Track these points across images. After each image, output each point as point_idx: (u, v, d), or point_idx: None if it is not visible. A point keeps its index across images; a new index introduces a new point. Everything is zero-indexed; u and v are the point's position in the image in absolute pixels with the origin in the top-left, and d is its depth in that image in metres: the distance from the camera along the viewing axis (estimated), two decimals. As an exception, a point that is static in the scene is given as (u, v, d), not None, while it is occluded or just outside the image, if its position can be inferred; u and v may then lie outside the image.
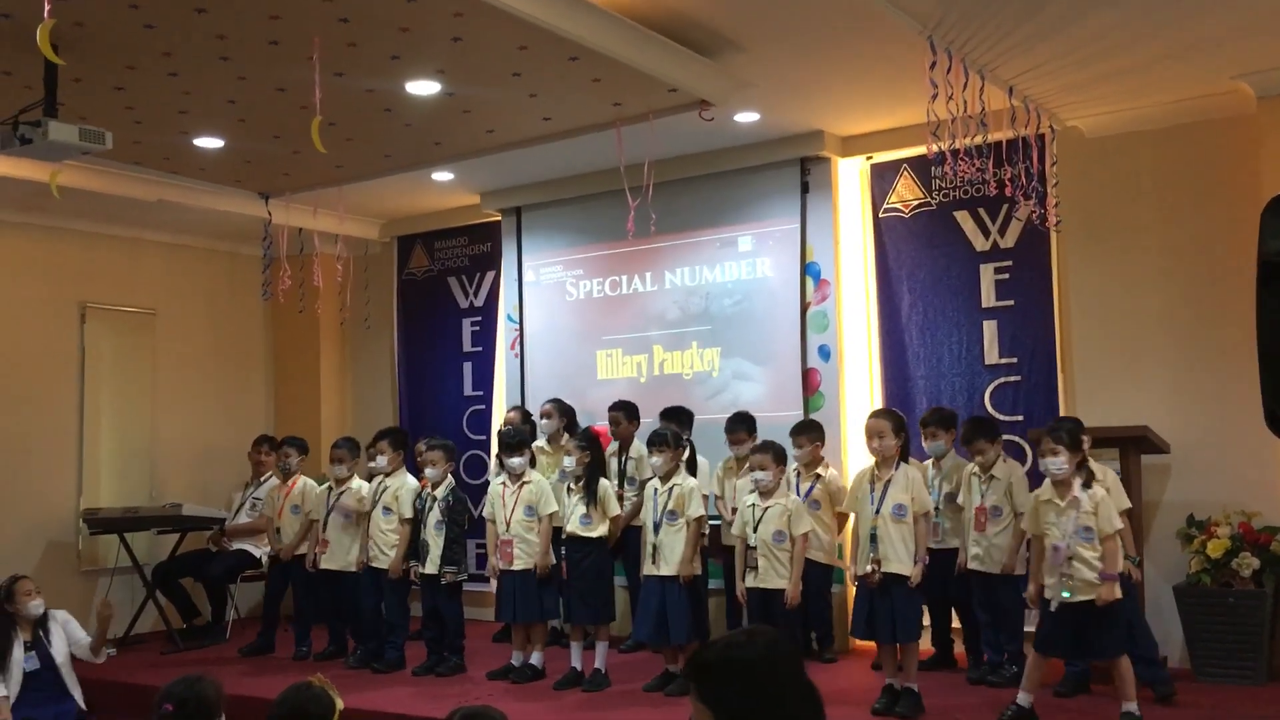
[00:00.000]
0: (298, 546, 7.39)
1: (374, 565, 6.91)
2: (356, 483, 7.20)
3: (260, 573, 8.10)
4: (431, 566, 6.59)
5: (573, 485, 6.32)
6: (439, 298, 9.19)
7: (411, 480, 6.96)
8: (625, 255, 8.00)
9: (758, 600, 5.74)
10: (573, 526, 6.25)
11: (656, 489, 6.11)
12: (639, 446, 7.06)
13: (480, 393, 8.89)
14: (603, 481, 6.32)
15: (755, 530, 5.76)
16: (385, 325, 9.45)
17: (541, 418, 7.32)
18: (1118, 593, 4.88)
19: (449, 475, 6.72)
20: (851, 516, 5.80)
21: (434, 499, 6.66)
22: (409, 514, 6.82)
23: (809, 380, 7.24)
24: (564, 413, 7.32)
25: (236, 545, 8.23)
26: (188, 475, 9.12)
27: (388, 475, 6.97)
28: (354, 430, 8.75)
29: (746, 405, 7.29)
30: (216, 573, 8.12)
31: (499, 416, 8.55)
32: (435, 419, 8.97)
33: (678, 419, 6.84)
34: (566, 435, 7.12)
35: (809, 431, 6.56)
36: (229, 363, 9.61)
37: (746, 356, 7.48)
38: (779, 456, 5.83)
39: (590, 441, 6.33)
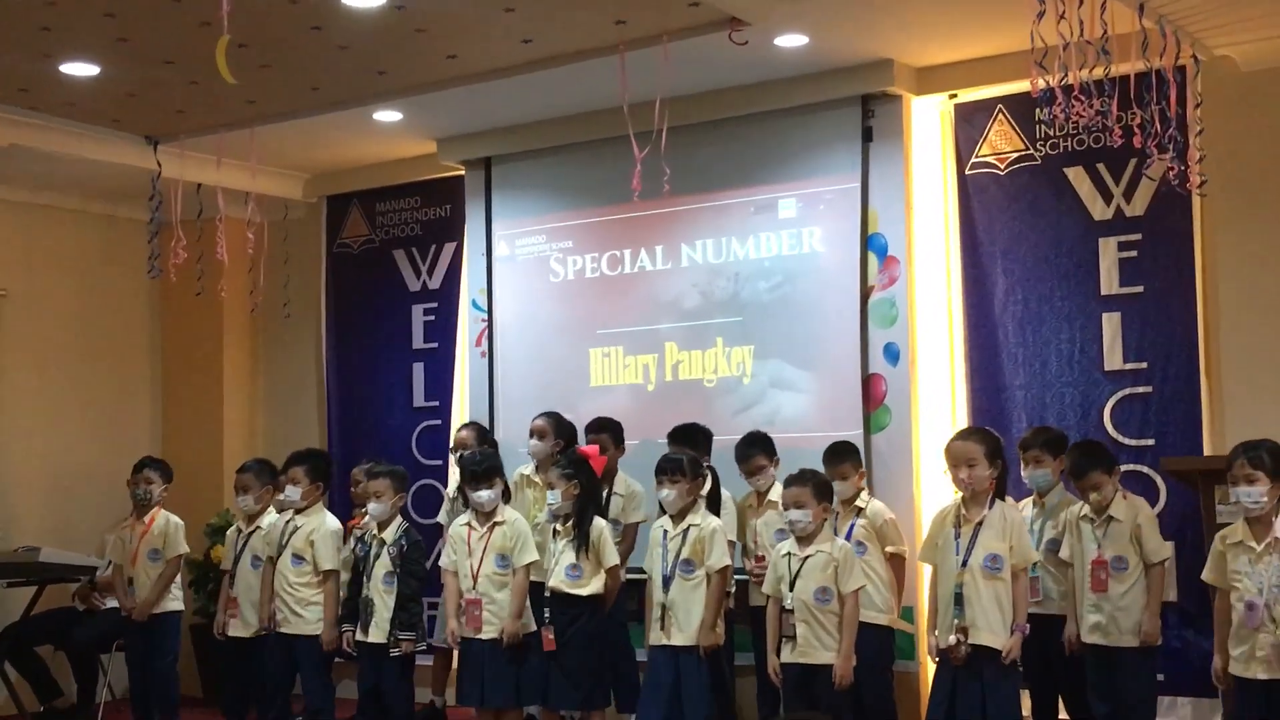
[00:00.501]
0: (156, 603, 7.43)
1: (282, 630, 6.99)
2: (271, 518, 7.29)
3: None
4: (377, 633, 6.62)
5: (559, 527, 6.38)
6: (382, 278, 9.21)
7: (332, 521, 7.11)
8: (629, 223, 8.02)
9: (797, 679, 5.77)
10: (557, 580, 6.31)
11: (667, 532, 6.17)
12: (625, 480, 7.15)
13: (435, 403, 8.92)
14: (598, 521, 6.37)
15: (792, 588, 5.79)
16: (310, 313, 9.45)
17: (532, 436, 7.36)
18: None
19: (399, 512, 6.79)
20: (927, 570, 5.82)
21: (380, 543, 6.72)
22: (330, 564, 6.92)
23: (871, 390, 7.26)
24: (562, 431, 7.35)
25: (111, 602, 8.17)
26: (46, 510, 9.10)
27: (299, 512, 7.07)
28: (268, 451, 8.71)
29: (788, 423, 7.33)
30: (85, 639, 8.11)
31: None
32: (375, 438, 9.00)
33: (692, 440, 6.87)
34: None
35: (851, 457, 6.61)
36: (103, 362, 9.58)
37: (788, 358, 7.52)
38: (821, 490, 5.88)
39: (578, 467, 6.39)
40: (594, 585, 6.28)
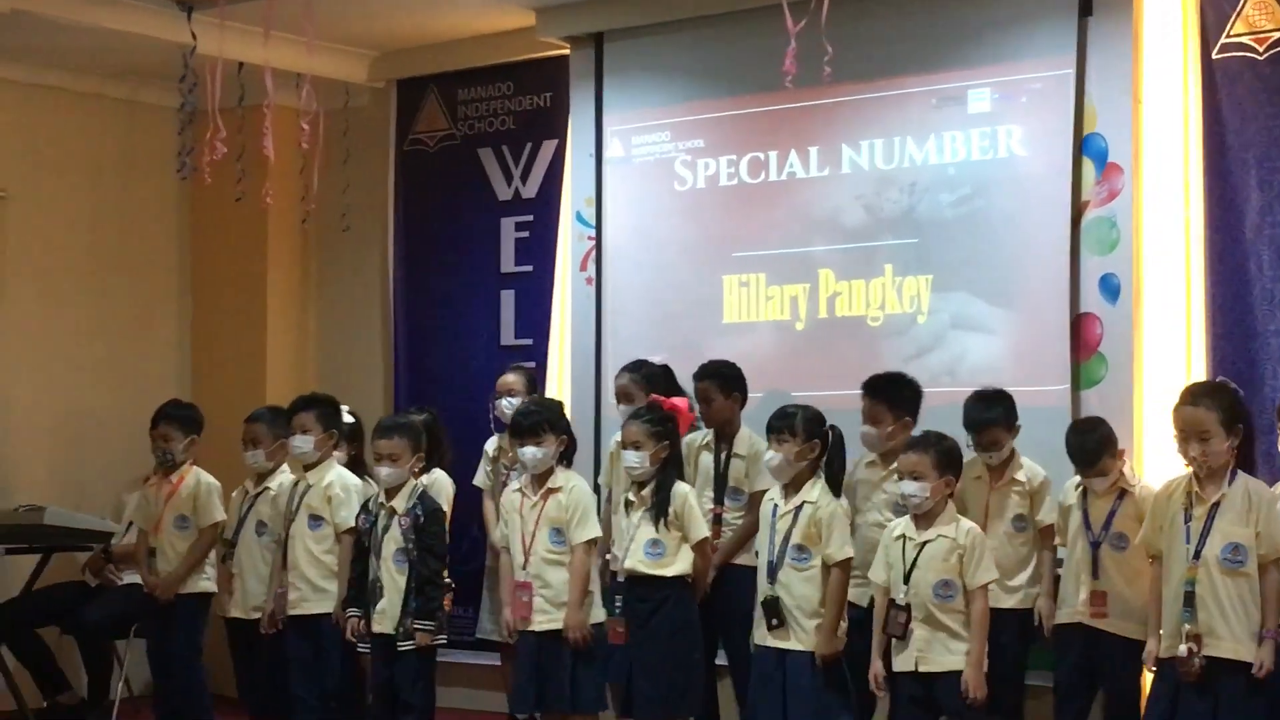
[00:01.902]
0: (184, 580, 7.51)
1: (296, 613, 7.12)
2: (282, 479, 7.46)
3: None
4: (385, 621, 6.70)
5: (632, 495, 6.47)
6: (464, 184, 9.22)
7: (349, 475, 7.30)
8: (777, 118, 7.99)
9: (914, 691, 5.85)
10: (633, 560, 6.38)
11: (777, 506, 6.24)
12: (750, 439, 7.15)
13: (528, 341, 8.95)
14: (680, 486, 6.45)
15: (906, 580, 5.87)
16: (375, 227, 9.47)
17: (619, 401, 7.41)
18: None
19: (414, 475, 6.87)
20: (1151, 563, 5.82)
21: (390, 513, 6.79)
22: (352, 522, 7.03)
23: (1081, 334, 7.21)
24: (654, 384, 7.33)
25: (129, 577, 8.28)
26: (52, 464, 9.16)
27: (309, 469, 7.23)
28: None
29: (973, 374, 7.31)
30: (97, 621, 8.21)
31: (561, 381, 8.65)
32: (453, 384, 9.04)
33: (894, 396, 6.76)
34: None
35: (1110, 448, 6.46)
36: (121, 283, 9.60)
37: (976, 291, 7.50)
38: (945, 460, 5.97)
39: (660, 422, 6.49)
40: (680, 564, 6.38)
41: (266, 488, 7.42)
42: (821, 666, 6.02)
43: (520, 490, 6.58)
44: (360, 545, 6.89)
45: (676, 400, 6.91)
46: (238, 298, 9.77)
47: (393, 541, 6.71)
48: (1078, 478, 6.46)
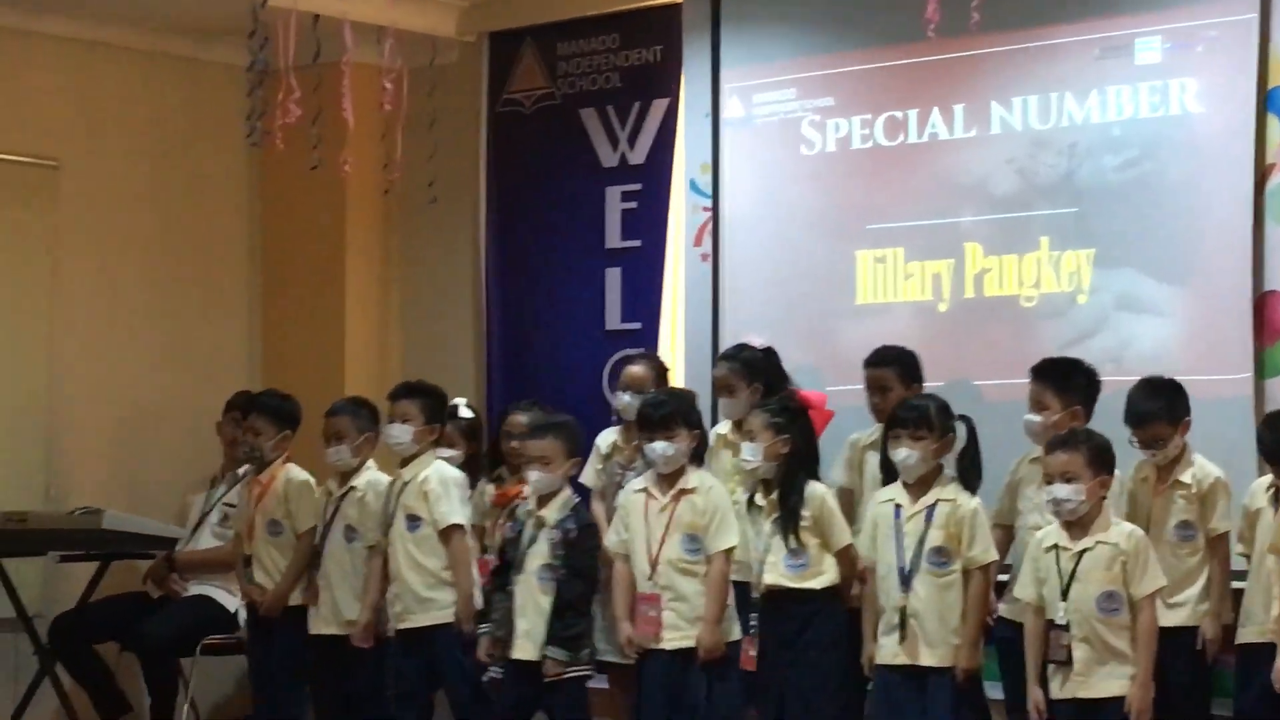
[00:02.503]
0: (285, 597, 7.61)
1: (403, 626, 7.18)
2: (370, 477, 7.51)
3: (236, 639, 8.19)
4: (527, 646, 6.69)
5: (759, 498, 6.56)
6: (564, 149, 9.24)
7: (448, 469, 7.35)
8: (918, 72, 7.97)
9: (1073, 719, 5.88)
10: (775, 575, 6.44)
11: (901, 507, 6.30)
12: None
13: (636, 325, 8.96)
14: (814, 488, 6.49)
15: (1064, 595, 5.87)
16: (464, 197, 9.50)
17: (718, 393, 7.43)
18: None
19: (567, 483, 6.89)
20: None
21: (538, 524, 6.81)
22: (457, 517, 7.15)
23: (1267, 314, 7.11)
24: (755, 373, 7.28)
25: (196, 588, 8.36)
26: (110, 462, 9.20)
27: (405, 462, 7.29)
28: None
29: (1142, 361, 7.18)
30: (160, 636, 8.21)
31: (673, 370, 8.46)
32: (553, 372, 9.10)
33: (1064, 383, 6.73)
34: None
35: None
36: (184, 263, 9.67)
37: (1144, 268, 7.44)
38: (1098, 458, 5.95)
39: (782, 413, 6.53)
40: (827, 574, 6.43)
41: (353, 488, 7.45)
42: (963, 684, 6.09)
43: (645, 491, 6.61)
44: (502, 557, 6.93)
45: (811, 394, 6.89)
46: (313, 277, 9.81)
47: (538, 557, 6.73)
48: (1268, 478, 6.34)
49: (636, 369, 7.75)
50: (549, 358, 9.22)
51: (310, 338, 9.78)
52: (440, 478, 7.20)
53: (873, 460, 6.96)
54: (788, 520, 6.37)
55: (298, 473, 7.72)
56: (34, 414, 9.07)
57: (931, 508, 6.18)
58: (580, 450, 7.03)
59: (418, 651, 7.15)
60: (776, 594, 6.41)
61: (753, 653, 6.42)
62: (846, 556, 6.46)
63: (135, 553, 8.56)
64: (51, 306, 9.17)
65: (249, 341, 9.97)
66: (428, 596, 7.12)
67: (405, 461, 7.28)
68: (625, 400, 7.50)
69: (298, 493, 7.64)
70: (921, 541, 6.16)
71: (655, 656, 6.46)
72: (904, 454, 6.21)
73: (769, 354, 7.44)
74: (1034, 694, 5.95)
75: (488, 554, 7.37)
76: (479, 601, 7.08)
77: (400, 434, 7.25)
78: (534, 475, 6.77)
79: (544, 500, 6.79)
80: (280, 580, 7.58)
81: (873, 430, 7.12)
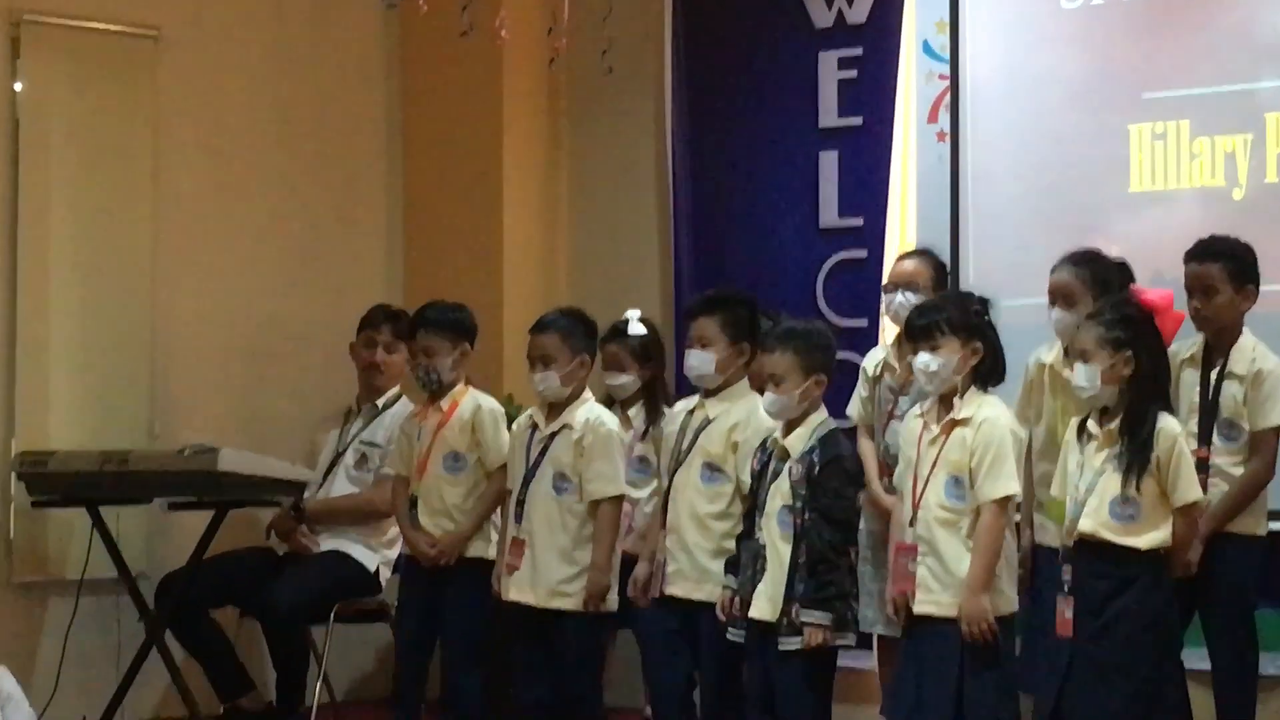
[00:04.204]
0: (466, 543, 7.39)
1: (675, 593, 6.91)
2: (587, 411, 7.17)
3: (378, 603, 8.21)
4: (764, 605, 6.42)
5: (1090, 422, 6.20)
6: (769, 7, 8.94)
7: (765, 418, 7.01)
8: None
9: None
10: (1094, 521, 6.05)
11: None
12: (1253, 349, 6.77)
13: (858, 221, 8.67)
14: (1167, 424, 6.04)
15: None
16: (648, 69, 9.28)
17: (1053, 299, 7.17)
18: None
19: (820, 407, 6.60)
20: None
21: (783, 455, 6.53)
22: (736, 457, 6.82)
23: None
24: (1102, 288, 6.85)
25: (329, 542, 8.28)
26: (227, 394, 9.12)
27: (711, 393, 6.93)
28: (578, 298, 8.59)
29: None
30: (289, 601, 8.07)
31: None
32: (757, 279, 8.67)
33: None
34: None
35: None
36: (311, 155, 9.47)
37: None
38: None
39: (1119, 324, 6.12)
40: (1158, 532, 5.97)
41: (567, 425, 7.11)
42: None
43: (922, 417, 6.31)
44: (748, 496, 6.74)
45: (1154, 294, 6.38)
46: (464, 168, 9.56)
47: (779, 496, 6.45)
48: None
49: (908, 263, 7.48)
50: (750, 261, 8.95)
51: (462, 243, 9.57)
52: (757, 428, 6.80)
53: (1188, 377, 6.81)
54: (1132, 459, 5.94)
55: (486, 399, 7.56)
56: (136, 336, 8.89)
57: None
58: (825, 365, 6.62)
59: (684, 622, 6.87)
60: (1090, 546, 5.98)
61: (1069, 615, 6.02)
62: (1189, 515, 6.05)
63: (256, 500, 8.31)
64: (154, 209, 8.92)
65: (388, 247, 9.79)
66: (707, 567, 6.75)
67: (711, 392, 6.92)
68: (899, 302, 7.18)
69: (492, 422, 7.44)
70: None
71: (913, 625, 6.22)
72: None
73: (1123, 268, 7.04)
74: None
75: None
76: None
77: (700, 363, 6.89)
78: (769, 397, 6.59)
79: (791, 426, 6.50)
80: (462, 520, 7.38)
81: (1192, 342, 6.80)
